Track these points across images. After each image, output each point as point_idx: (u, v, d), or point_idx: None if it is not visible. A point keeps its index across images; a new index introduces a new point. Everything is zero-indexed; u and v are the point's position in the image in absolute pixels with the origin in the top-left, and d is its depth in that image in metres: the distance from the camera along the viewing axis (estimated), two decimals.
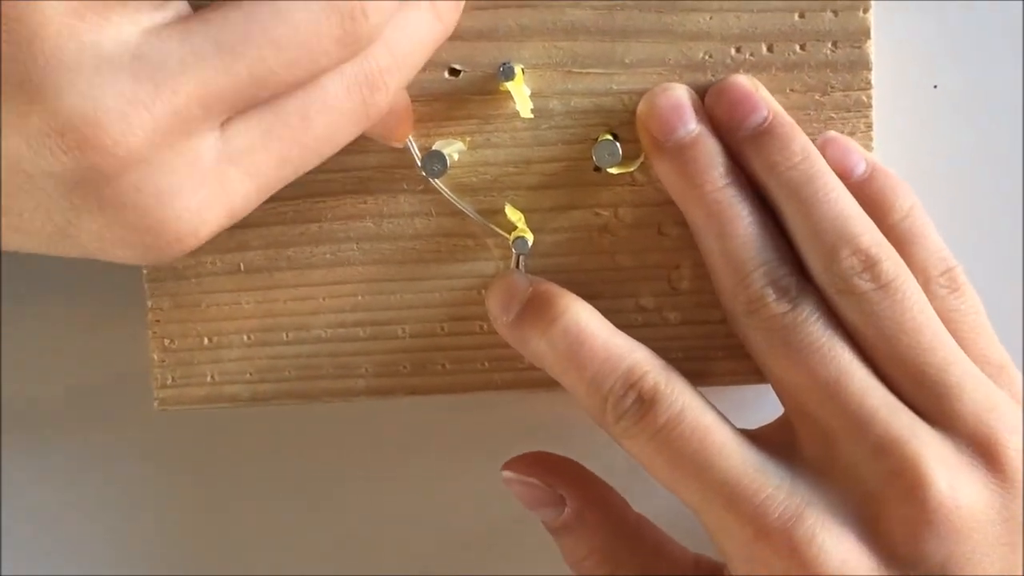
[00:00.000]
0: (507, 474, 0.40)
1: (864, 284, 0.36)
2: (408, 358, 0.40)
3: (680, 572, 0.39)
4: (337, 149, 0.34)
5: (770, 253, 0.37)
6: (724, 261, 0.37)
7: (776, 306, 0.36)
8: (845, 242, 0.36)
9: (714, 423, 0.35)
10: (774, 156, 0.37)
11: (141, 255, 0.32)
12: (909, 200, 0.38)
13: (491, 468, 0.41)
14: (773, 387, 0.37)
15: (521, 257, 0.39)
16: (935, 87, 0.43)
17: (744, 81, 0.38)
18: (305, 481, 0.46)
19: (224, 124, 0.32)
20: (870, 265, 0.36)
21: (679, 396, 0.36)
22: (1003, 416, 0.35)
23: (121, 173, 0.30)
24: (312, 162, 0.34)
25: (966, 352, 0.36)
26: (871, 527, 0.34)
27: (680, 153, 0.37)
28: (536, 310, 0.37)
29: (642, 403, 0.36)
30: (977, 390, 0.35)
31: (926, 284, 0.37)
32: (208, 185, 0.32)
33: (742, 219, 0.37)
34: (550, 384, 0.38)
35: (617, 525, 0.39)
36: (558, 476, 0.39)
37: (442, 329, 0.40)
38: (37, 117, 0.29)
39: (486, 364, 0.40)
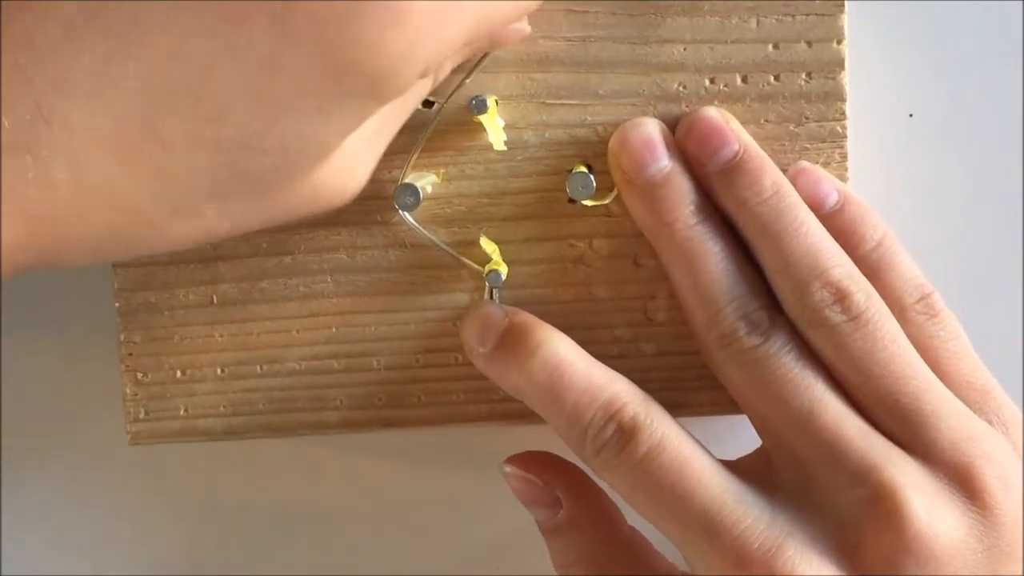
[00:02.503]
0: (507, 468, 0.39)
1: (835, 316, 0.36)
2: (383, 390, 0.40)
3: None
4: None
5: (742, 288, 0.37)
6: (696, 296, 0.37)
7: (748, 339, 0.36)
8: (816, 275, 0.36)
9: (693, 453, 0.35)
10: (744, 191, 0.37)
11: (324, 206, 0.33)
12: (880, 229, 0.38)
13: (482, 490, 0.40)
14: (749, 419, 0.37)
15: (494, 290, 0.39)
16: (911, 116, 0.43)
17: (714, 114, 0.38)
18: (280, 510, 0.45)
19: None
20: (841, 297, 0.36)
21: (658, 427, 0.35)
22: (980, 444, 0.35)
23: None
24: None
25: (948, 378, 0.36)
26: (850, 556, 0.34)
27: (651, 191, 0.37)
28: (513, 342, 0.37)
29: (622, 434, 0.35)
30: (953, 418, 0.35)
31: (902, 312, 0.37)
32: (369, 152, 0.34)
33: (713, 256, 0.37)
34: (527, 416, 0.38)
35: (609, 534, 0.39)
36: (557, 477, 0.39)
37: (417, 361, 0.40)
38: None
39: (462, 396, 0.40)
